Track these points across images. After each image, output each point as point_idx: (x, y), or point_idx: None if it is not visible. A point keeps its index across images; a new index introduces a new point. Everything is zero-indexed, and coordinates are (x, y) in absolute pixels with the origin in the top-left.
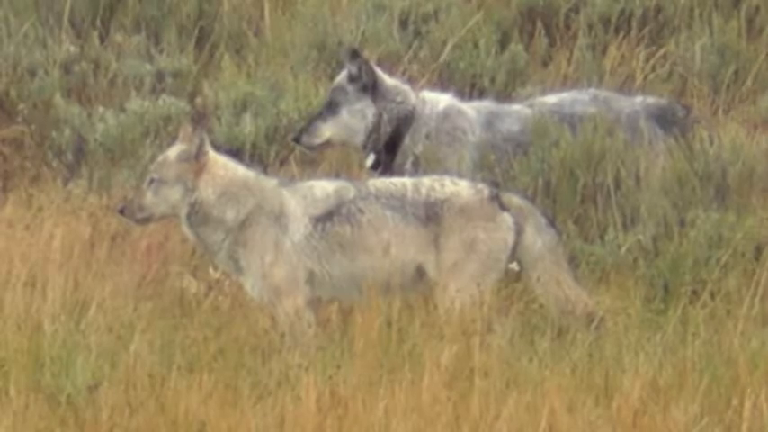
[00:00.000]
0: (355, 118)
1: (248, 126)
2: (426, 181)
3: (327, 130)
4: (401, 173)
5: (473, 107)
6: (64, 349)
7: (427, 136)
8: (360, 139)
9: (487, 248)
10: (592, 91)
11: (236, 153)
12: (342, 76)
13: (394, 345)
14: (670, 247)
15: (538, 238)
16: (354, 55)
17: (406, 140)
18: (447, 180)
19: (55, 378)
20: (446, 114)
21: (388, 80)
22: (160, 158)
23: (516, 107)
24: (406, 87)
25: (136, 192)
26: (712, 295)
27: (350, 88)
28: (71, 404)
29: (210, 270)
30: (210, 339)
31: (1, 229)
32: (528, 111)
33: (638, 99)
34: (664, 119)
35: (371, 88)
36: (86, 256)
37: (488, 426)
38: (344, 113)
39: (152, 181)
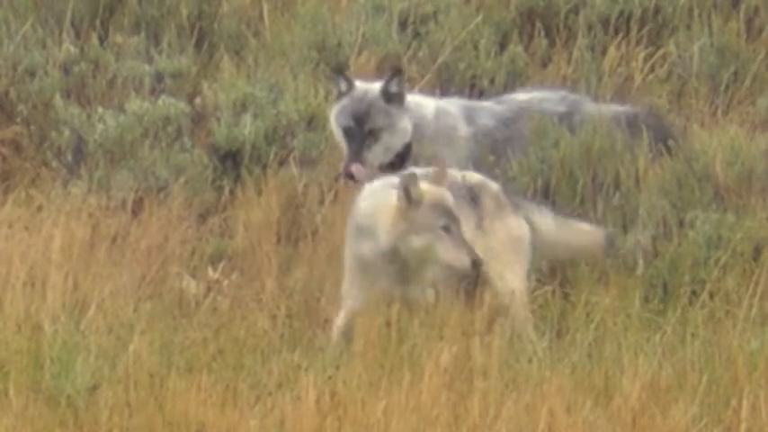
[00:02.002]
0: (398, 137)
1: (248, 127)
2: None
3: (376, 159)
4: None
5: (452, 104)
6: (63, 350)
7: (429, 138)
8: (397, 153)
9: (521, 234)
10: (563, 92)
11: (235, 154)
12: (373, 95)
13: (393, 345)
14: (669, 248)
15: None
16: (398, 72)
17: (414, 146)
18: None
19: (54, 378)
20: (437, 115)
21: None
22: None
23: (487, 104)
24: (408, 100)
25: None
26: (711, 296)
27: (390, 108)
28: (71, 405)
29: (209, 271)
30: (210, 340)
31: (0, 230)
32: (499, 107)
33: (611, 107)
34: (635, 126)
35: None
36: (86, 256)
37: (488, 426)
38: (387, 137)
39: None
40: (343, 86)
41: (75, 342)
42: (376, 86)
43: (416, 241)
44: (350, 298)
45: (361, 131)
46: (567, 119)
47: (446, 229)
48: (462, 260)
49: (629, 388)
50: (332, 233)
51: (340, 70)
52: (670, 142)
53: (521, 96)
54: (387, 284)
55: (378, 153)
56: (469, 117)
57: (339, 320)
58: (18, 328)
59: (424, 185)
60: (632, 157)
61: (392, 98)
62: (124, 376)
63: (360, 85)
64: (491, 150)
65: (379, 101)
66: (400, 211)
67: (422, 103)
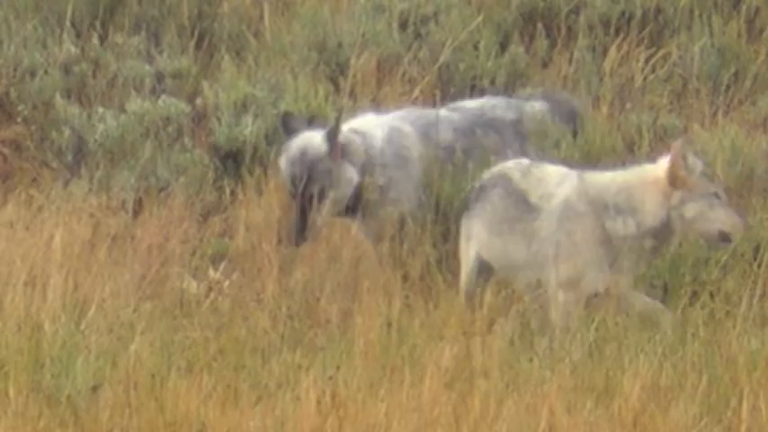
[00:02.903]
0: (345, 188)
1: (248, 127)
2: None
3: (324, 219)
4: (369, 208)
5: (406, 121)
6: (64, 350)
7: (381, 165)
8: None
9: None
10: (503, 98)
11: (236, 154)
12: (314, 153)
13: (394, 345)
14: (669, 248)
15: None
16: (338, 119)
17: (367, 178)
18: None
19: (55, 378)
20: (389, 138)
21: (343, 128)
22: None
23: (443, 113)
24: (355, 129)
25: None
26: (712, 296)
27: (329, 163)
28: (71, 405)
29: (210, 271)
30: (210, 340)
31: (1, 230)
32: (456, 116)
33: (539, 101)
34: (569, 115)
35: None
36: (86, 256)
37: (488, 426)
38: (333, 193)
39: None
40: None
41: (75, 342)
42: (316, 139)
43: (692, 210)
44: (586, 279)
45: (306, 194)
46: (517, 126)
47: (717, 195)
48: (738, 225)
49: (629, 388)
50: (332, 233)
51: (286, 113)
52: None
53: (471, 104)
54: (631, 264)
55: (326, 211)
56: (426, 134)
57: (568, 305)
58: (18, 328)
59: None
60: (633, 158)
61: (334, 149)
62: (125, 376)
63: (297, 138)
64: (451, 163)
65: (321, 160)
66: (674, 182)
67: (370, 132)
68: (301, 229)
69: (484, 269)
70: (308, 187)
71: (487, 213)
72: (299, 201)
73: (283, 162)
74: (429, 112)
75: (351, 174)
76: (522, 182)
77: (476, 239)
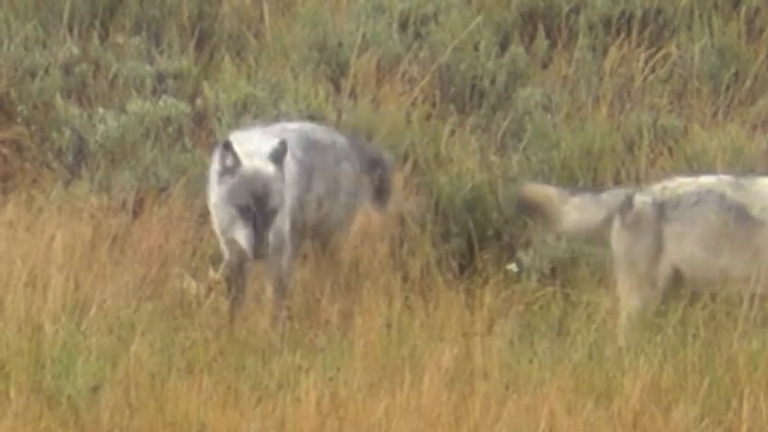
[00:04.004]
0: (284, 212)
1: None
2: None
3: (272, 239)
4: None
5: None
6: (64, 350)
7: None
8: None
9: None
10: (318, 124)
11: None
12: (267, 175)
13: (394, 346)
14: None
15: None
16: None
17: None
18: None
19: (55, 379)
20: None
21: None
22: None
23: (293, 127)
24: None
25: None
26: (712, 297)
27: (280, 183)
28: (71, 405)
29: (210, 271)
30: (211, 341)
31: (2, 231)
32: (293, 134)
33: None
34: (370, 163)
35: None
36: (87, 257)
37: (488, 427)
38: (280, 216)
39: None
40: (230, 162)
41: (75, 342)
42: (263, 163)
43: None
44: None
45: (262, 212)
46: (332, 149)
47: None
48: None
49: (629, 389)
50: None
51: (227, 145)
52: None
53: (293, 126)
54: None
55: (274, 232)
56: (291, 149)
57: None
58: (19, 329)
59: None
60: (633, 158)
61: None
62: (125, 377)
63: (247, 162)
64: (306, 179)
65: (275, 180)
66: None
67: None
68: (262, 247)
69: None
70: (266, 204)
71: (698, 229)
72: (258, 218)
73: (235, 182)
74: (276, 129)
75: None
76: (737, 196)
77: (676, 254)
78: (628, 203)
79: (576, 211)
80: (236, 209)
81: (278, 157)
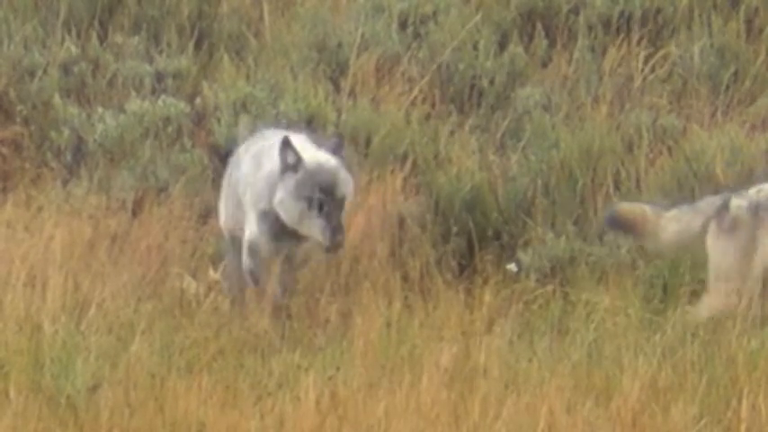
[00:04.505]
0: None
1: (248, 127)
2: None
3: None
4: None
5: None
6: (64, 350)
7: None
8: None
9: None
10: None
11: None
12: (332, 164)
13: (393, 346)
14: None
15: None
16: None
17: None
18: None
19: (55, 379)
20: None
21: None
22: None
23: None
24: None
25: None
26: None
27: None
28: (71, 405)
29: (210, 271)
30: (210, 340)
31: (0, 230)
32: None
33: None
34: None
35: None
36: (86, 256)
37: (488, 426)
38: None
39: None
40: (291, 159)
41: (75, 342)
42: (327, 155)
43: None
44: None
45: (333, 202)
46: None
47: None
48: None
49: (629, 388)
50: None
51: (286, 142)
52: None
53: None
54: None
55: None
56: None
57: None
58: (18, 329)
59: None
60: (632, 158)
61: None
62: (124, 376)
63: (308, 156)
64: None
65: (339, 170)
66: None
67: None
68: (341, 232)
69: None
70: (336, 193)
71: None
72: (330, 208)
73: (302, 177)
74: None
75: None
76: None
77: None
78: (724, 208)
79: (673, 224)
80: (305, 202)
81: (338, 149)
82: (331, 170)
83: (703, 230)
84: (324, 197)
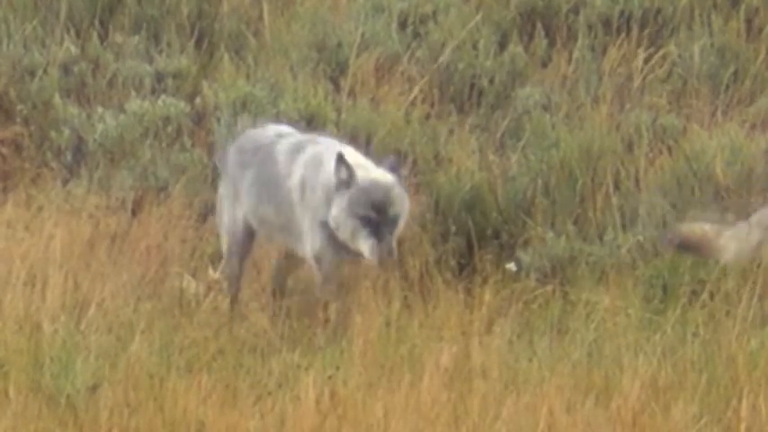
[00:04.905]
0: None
1: (248, 126)
2: None
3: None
4: None
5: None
6: (63, 350)
7: None
8: None
9: None
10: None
11: None
12: (387, 181)
13: (393, 345)
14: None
15: None
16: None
17: None
18: None
19: (54, 378)
20: None
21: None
22: None
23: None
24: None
25: None
26: (711, 296)
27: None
28: (70, 404)
29: (210, 271)
30: (210, 340)
31: (0, 230)
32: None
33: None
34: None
35: None
36: (86, 256)
37: (487, 426)
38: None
39: None
40: (344, 175)
41: (74, 342)
42: (381, 172)
43: None
44: None
45: (385, 220)
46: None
47: None
48: None
49: (628, 388)
50: None
51: (340, 158)
52: None
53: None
54: None
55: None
56: None
57: None
58: (18, 328)
59: None
60: (632, 158)
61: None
62: (124, 376)
63: (362, 173)
64: None
65: (394, 187)
66: None
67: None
68: (390, 250)
69: None
70: (388, 210)
71: None
72: (381, 226)
73: (355, 194)
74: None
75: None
76: None
77: None
78: None
79: (733, 243)
80: (357, 220)
81: (394, 168)
82: (384, 188)
83: (761, 244)
84: (376, 215)
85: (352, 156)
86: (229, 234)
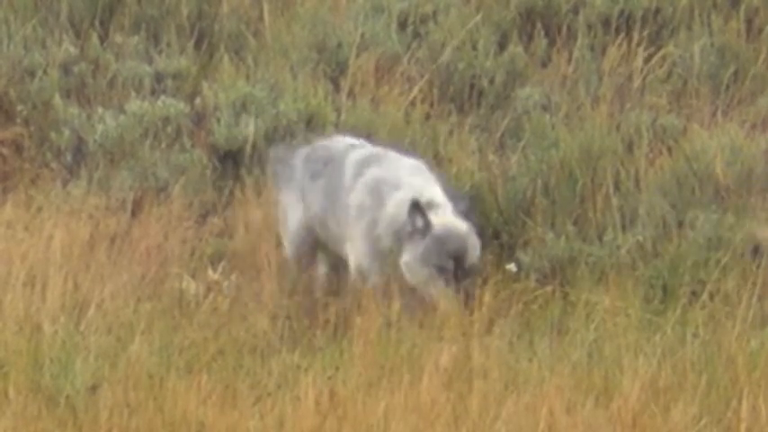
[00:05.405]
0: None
1: (247, 127)
2: None
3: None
4: None
5: None
6: (63, 350)
7: None
8: None
9: None
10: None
11: (235, 154)
12: (462, 230)
13: (393, 346)
14: (669, 248)
15: None
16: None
17: None
18: None
19: (54, 379)
20: None
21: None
22: None
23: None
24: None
25: None
26: (711, 296)
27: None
28: (70, 405)
29: (209, 271)
30: (209, 340)
31: (0, 231)
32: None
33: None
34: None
35: None
36: (86, 257)
37: (487, 427)
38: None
39: None
40: (420, 223)
41: (74, 342)
42: (457, 220)
43: None
44: None
45: (459, 270)
46: None
47: None
48: None
49: (628, 388)
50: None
51: (416, 206)
52: None
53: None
54: None
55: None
56: None
57: None
58: (18, 329)
59: None
60: (632, 158)
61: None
62: (124, 377)
63: (438, 222)
64: None
65: (468, 236)
66: None
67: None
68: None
69: None
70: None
71: None
72: (455, 275)
73: (431, 244)
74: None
75: None
76: None
77: None
78: None
79: None
80: (433, 269)
81: (469, 212)
82: (461, 238)
83: None
84: (452, 265)
85: (421, 185)
86: (295, 241)
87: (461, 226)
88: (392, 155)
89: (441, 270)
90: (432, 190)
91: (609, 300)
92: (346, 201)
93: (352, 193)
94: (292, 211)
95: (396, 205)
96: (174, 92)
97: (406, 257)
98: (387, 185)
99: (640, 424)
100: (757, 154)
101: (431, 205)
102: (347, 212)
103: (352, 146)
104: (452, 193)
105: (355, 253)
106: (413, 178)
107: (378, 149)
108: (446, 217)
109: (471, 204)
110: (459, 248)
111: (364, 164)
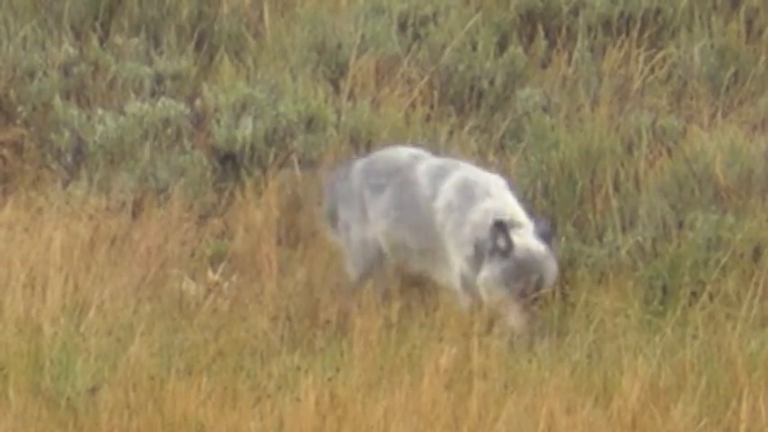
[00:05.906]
0: None
1: (247, 128)
2: None
3: None
4: None
5: None
6: (63, 352)
7: None
8: None
9: None
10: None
11: (235, 155)
12: (540, 254)
13: (393, 347)
14: (669, 249)
15: None
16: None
17: None
18: None
19: (54, 381)
20: None
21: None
22: None
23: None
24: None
25: None
26: (711, 297)
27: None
28: (70, 407)
29: (209, 272)
30: (209, 342)
31: (0, 232)
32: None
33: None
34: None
35: None
36: (86, 258)
37: (487, 427)
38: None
39: None
40: (502, 244)
41: (74, 344)
42: (537, 243)
43: None
44: None
45: (535, 292)
46: None
47: None
48: None
49: (628, 389)
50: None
51: (500, 226)
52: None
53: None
54: None
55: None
56: None
57: None
58: (18, 330)
59: None
60: (632, 159)
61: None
62: (124, 378)
63: (520, 244)
64: None
65: (547, 260)
66: None
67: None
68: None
69: None
70: (541, 286)
71: None
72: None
73: (512, 267)
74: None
75: None
76: None
77: None
78: None
79: None
80: (510, 290)
81: (546, 236)
82: (540, 263)
83: None
84: (530, 291)
85: (506, 201)
86: (359, 256)
87: (542, 249)
88: (466, 164)
89: (518, 292)
90: (515, 208)
91: (609, 301)
92: (431, 208)
93: (436, 199)
94: (354, 227)
95: (483, 215)
96: (174, 93)
97: (485, 274)
98: (478, 188)
99: (640, 424)
100: (757, 155)
101: (513, 224)
102: (432, 220)
103: (417, 156)
104: (529, 212)
105: (456, 265)
106: (500, 191)
107: (446, 159)
108: (527, 239)
109: (550, 227)
110: (537, 273)
111: (441, 171)
